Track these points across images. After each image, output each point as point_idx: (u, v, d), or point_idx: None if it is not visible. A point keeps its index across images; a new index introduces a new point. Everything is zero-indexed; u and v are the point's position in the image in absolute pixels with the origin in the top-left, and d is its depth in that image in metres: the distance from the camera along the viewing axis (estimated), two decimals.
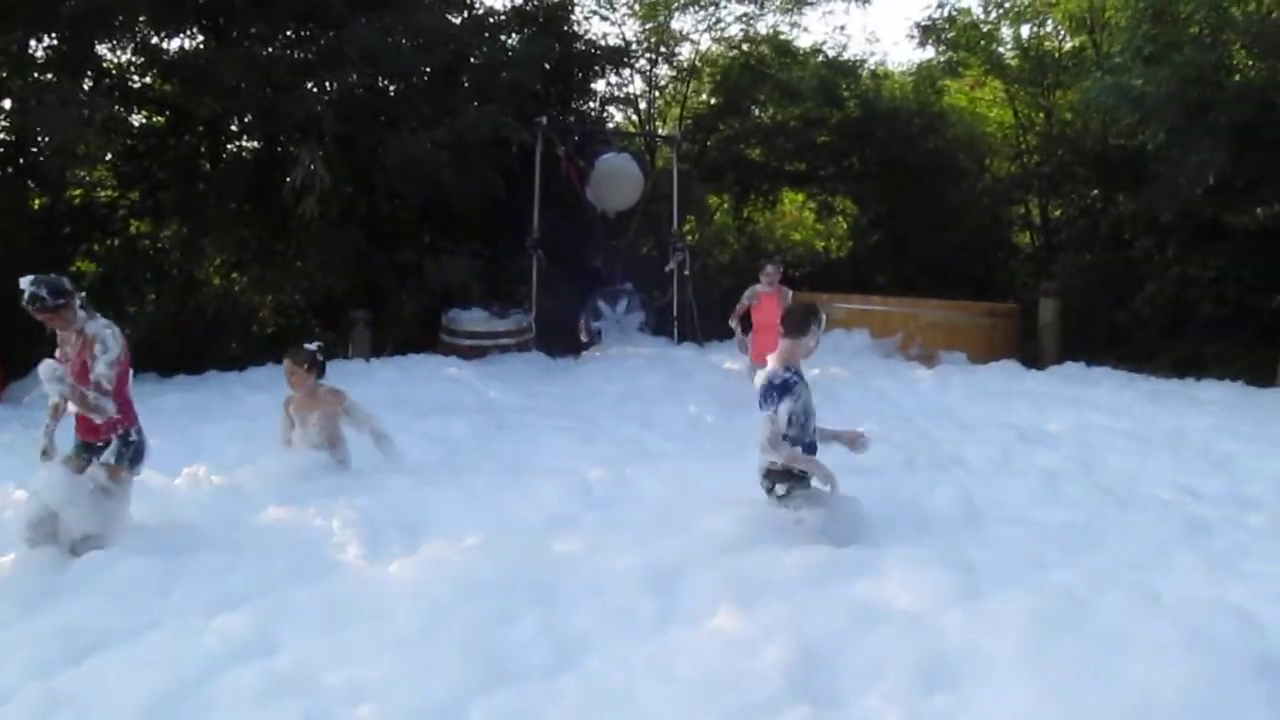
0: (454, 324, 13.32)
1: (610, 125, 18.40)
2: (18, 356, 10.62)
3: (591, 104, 18.05)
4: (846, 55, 19.41)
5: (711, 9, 18.68)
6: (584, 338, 14.83)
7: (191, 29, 13.57)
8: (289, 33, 13.71)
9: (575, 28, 17.04)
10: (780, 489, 5.88)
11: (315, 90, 13.54)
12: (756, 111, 19.75)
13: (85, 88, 12.32)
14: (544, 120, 14.37)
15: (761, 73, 18.92)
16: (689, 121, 19.35)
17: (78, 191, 13.69)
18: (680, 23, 18.84)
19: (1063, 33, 18.05)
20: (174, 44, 13.58)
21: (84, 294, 5.52)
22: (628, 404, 10.44)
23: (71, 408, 5.50)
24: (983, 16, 18.25)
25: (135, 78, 13.61)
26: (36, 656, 4.39)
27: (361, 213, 13.95)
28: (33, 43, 12.19)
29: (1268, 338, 13.28)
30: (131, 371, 5.60)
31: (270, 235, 14.16)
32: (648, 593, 4.97)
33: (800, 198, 21.08)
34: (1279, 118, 12.79)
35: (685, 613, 4.78)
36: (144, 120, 14.20)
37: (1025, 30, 18.16)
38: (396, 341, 13.28)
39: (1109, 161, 16.01)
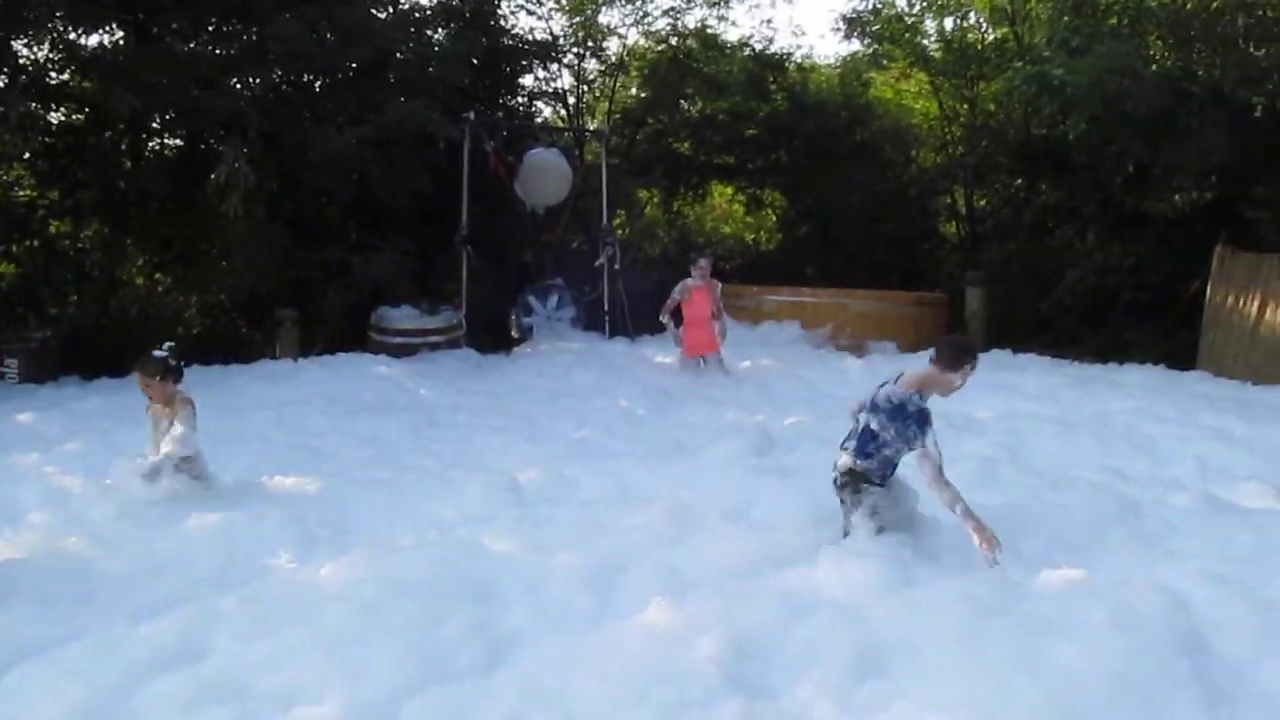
0: (383, 322, 13.20)
1: (538, 120, 18.31)
2: None
3: (520, 99, 17.94)
4: (773, 49, 19.45)
5: (639, 3, 18.69)
6: (515, 334, 14.78)
7: (111, 25, 13.29)
8: (211, 28, 13.48)
9: (502, 23, 16.95)
10: (858, 491, 5.66)
11: (239, 86, 13.32)
12: (685, 105, 19.77)
13: (0, 85, 12.03)
14: (471, 116, 14.27)
15: (689, 67, 18.94)
16: (617, 116, 19.32)
17: None
18: (608, 17, 18.83)
19: (985, 24, 18.27)
20: (93, 40, 13.31)
21: None
22: (560, 400, 10.42)
23: None
24: (907, 9, 18.37)
25: (53, 74, 13.31)
26: None
27: (287, 210, 13.76)
28: None
29: (1186, 323, 13.58)
30: None
31: (194, 234, 13.90)
32: (582, 590, 4.96)
33: (729, 190, 21.14)
34: (1195, 107, 13.07)
35: (620, 609, 4.78)
36: (63, 118, 13.89)
37: (949, 22, 18.34)
38: (324, 340, 13.12)
39: (1031, 151, 16.24)
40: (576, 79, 19.40)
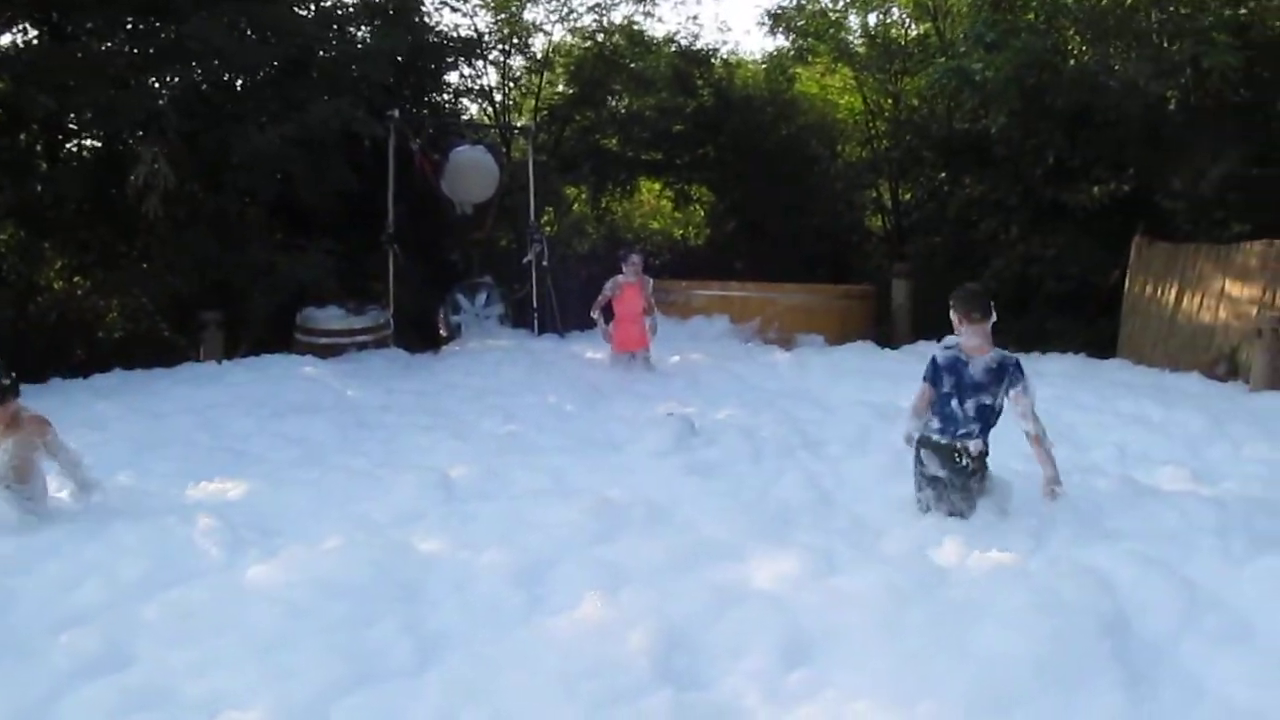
0: (309, 322, 13.07)
1: (464, 117, 18.23)
2: None
3: (445, 97, 17.82)
4: (699, 44, 19.52)
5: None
6: (443, 332, 14.70)
7: (23, 25, 13.01)
8: (128, 27, 13.22)
9: (426, 19, 16.80)
10: (985, 474, 5.94)
11: (157, 86, 13.10)
12: (612, 101, 19.76)
13: None
14: (396, 114, 14.17)
15: (615, 63, 18.94)
16: (544, 113, 19.28)
17: None
18: (533, 14, 18.72)
19: (908, 20, 18.50)
20: (4, 40, 13.01)
21: None
22: (489, 397, 10.38)
23: None
24: (831, 5, 18.58)
25: None
26: None
27: (209, 211, 13.53)
28: None
29: (1106, 313, 13.86)
30: None
31: (114, 236, 13.67)
32: (513, 587, 4.97)
33: (657, 186, 21.18)
34: (1112, 101, 13.33)
35: (550, 605, 4.78)
36: None
37: (872, 18, 18.57)
38: (250, 342, 12.95)
39: (955, 145, 16.46)
40: (502, 76, 19.33)
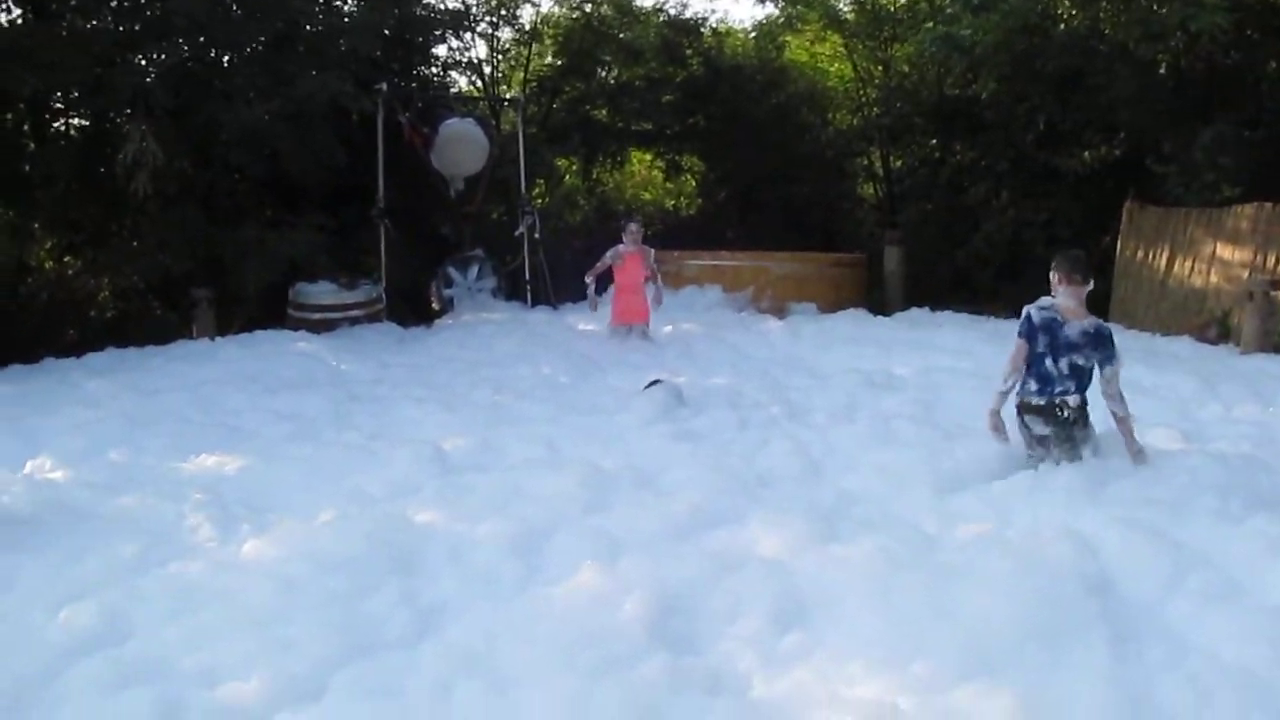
0: (301, 298, 13.05)
1: (453, 90, 18.17)
2: None
3: (433, 69, 17.79)
4: (688, 14, 19.48)
5: None
6: (436, 306, 14.70)
7: (6, 4, 12.94)
8: (113, 4, 13.16)
9: None
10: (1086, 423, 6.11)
11: (143, 63, 13.05)
12: (601, 72, 19.71)
13: None
14: (384, 87, 14.12)
15: (604, 33, 18.87)
16: (533, 84, 19.21)
17: None
18: None
19: None
20: None
21: None
22: (482, 370, 10.39)
23: None
24: None
25: None
26: None
27: (199, 188, 13.51)
28: None
29: (1098, 277, 13.83)
30: None
31: (104, 215, 13.63)
32: (509, 557, 4.98)
33: (648, 157, 21.14)
34: (1101, 65, 13.30)
35: (547, 575, 4.81)
36: None
37: None
38: (242, 319, 12.95)
39: (945, 111, 16.46)
40: (491, 48, 19.31)
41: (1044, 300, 6.24)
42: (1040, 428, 6.05)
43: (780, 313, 14.08)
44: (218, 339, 11.77)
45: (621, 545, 5.05)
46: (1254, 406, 8.11)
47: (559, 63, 19.43)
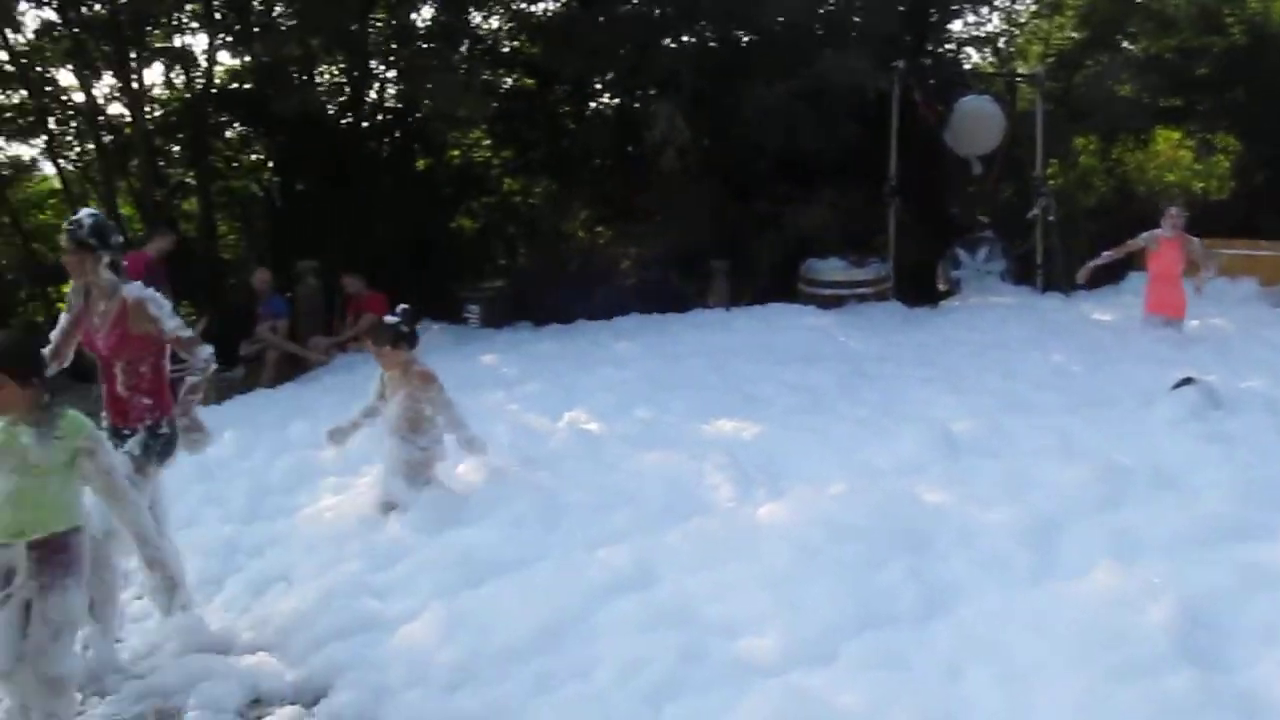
0: (812, 273, 13.32)
1: (968, 67, 17.77)
2: None
3: (948, 46, 17.49)
4: None
5: None
6: (942, 286, 14.48)
7: None
8: None
9: None
10: None
11: (673, 46, 13.78)
12: (1126, 45, 18.53)
13: (462, 54, 13.11)
14: (901, 64, 14.05)
15: (1131, 2, 17.71)
16: (1051, 59, 18.39)
17: (456, 153, 14.60)
18: None
19: None
20: (540, 8, 14.18)
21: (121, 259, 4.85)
22: (990, 353, 10.12)
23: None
24: None
25: (506, 42, 14.32)
26: (441, 580, 4.85)
27: (719, 165, 14.13)
28: (413, 15, 13.11)
29: None
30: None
31: (632, 190, 14.60)
32: (1021, 545, 4.83)
33: (1176, 135, 19.63)
34: None
35: (1061, 567, 4.63)
36: (513, 82, 14.93)
37: None
38: (754, 291, 13.42)
39: None
40: (1007, 22, 18.65)
41: None
42: None
43: None
44: (731, 309, 12.30)
45: (1141, 546, 4.76)
46: None
47: (1080, 35, 18.47)
